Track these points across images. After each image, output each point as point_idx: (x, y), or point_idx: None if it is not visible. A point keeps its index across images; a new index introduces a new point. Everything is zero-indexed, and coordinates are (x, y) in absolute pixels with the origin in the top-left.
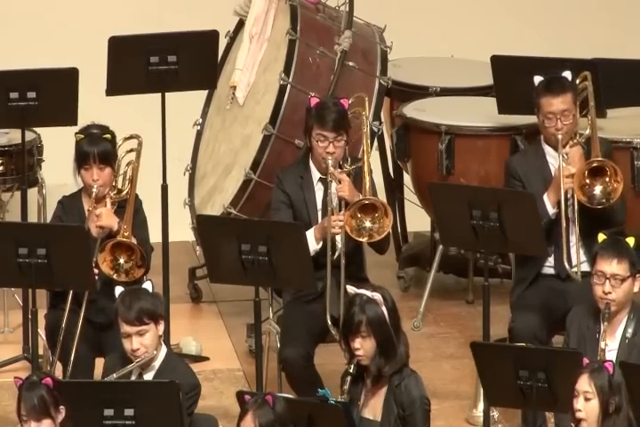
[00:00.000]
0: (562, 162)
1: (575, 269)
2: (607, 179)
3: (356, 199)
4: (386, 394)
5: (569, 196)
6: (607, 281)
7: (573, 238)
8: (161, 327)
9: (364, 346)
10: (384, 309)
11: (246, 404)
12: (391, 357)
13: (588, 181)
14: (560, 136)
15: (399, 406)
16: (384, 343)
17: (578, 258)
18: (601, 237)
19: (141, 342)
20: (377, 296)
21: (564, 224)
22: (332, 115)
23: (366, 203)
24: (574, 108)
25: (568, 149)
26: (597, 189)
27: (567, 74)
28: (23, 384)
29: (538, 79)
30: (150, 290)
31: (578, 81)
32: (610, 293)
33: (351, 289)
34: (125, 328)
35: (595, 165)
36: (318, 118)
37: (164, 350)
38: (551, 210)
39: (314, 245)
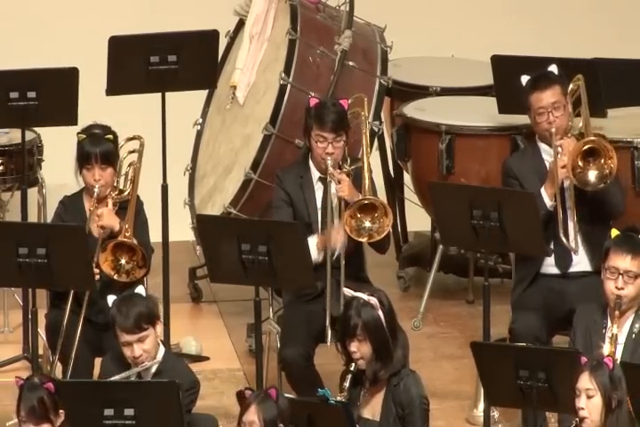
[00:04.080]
0: (556, 153)
1: (573, 245)
2: (602, 160)
3: (355, 199)
4: (385, 394)
5: (565, 186)
6: (620, 277)
7: (571, 228)
8: (159, 328)
9: (361, 350)
10: (380, 313)
11: (248, 398)
12: (387, 361)
13: (581, 163)
14: (553, 129)
15: (398, 406)
16: (380, 347)
17: (576, 244)
18: (614, 232)
19: (143, 347)
20: (373, 300)
21: (560, 215)
22: (332, 115)
23: (366, 203)
24: (564, 99)
25: (562, 140)
26: (591, 174)
27: (553, 68)
28: (24, 384)
29: (525, 79)
30: (144, 294)
31: (571, 85)
32: (622, 288)
33: (348, 292)
34: (126, 337)
35: (588, 146)
36: (317, 119)
37: (161, 350)
38: (549, 202)
39: (315, 255)
